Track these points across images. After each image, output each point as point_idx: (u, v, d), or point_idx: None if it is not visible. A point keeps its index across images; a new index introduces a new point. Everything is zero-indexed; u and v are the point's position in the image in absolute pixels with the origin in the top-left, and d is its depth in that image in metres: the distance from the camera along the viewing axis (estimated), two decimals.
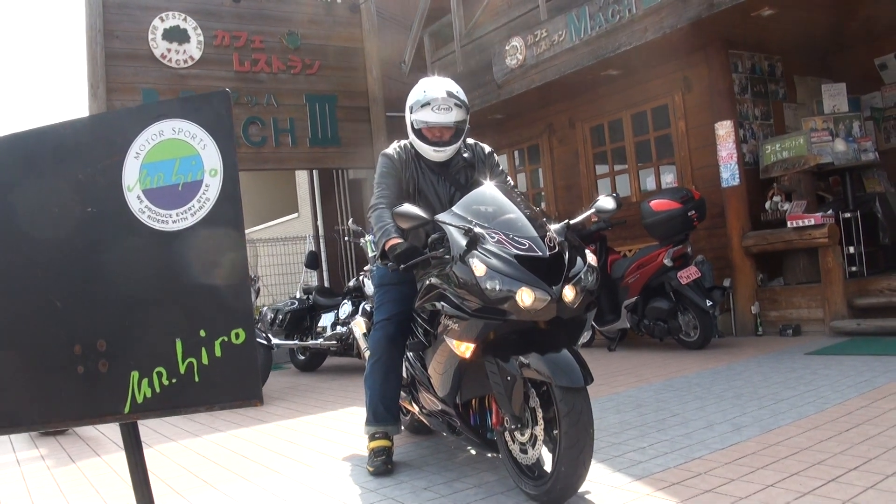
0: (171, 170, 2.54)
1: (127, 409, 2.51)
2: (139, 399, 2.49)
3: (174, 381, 2.49)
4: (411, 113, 4.21)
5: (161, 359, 2.51)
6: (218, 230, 2.53)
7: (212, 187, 2.53)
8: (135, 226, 2.55)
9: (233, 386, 2.49)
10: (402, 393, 4.45)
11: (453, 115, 4.12)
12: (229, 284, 2.52)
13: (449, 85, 4.20)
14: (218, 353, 2.48)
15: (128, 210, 2.55)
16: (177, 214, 2.53)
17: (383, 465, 4.13)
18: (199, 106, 2.59)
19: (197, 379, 2.49)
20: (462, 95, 4.20)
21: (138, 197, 2.55)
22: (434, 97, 4.12)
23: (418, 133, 4.20)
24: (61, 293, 2.57)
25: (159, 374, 2.49)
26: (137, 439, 2.68)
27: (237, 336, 2.47)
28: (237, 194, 2.55)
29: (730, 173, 8.46)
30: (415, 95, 4.21)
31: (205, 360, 2.48)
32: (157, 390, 2.49)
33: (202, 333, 2.49)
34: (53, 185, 2.61)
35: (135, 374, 2.50)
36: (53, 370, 2.56)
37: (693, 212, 7.63)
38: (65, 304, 2.56)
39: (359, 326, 5.31)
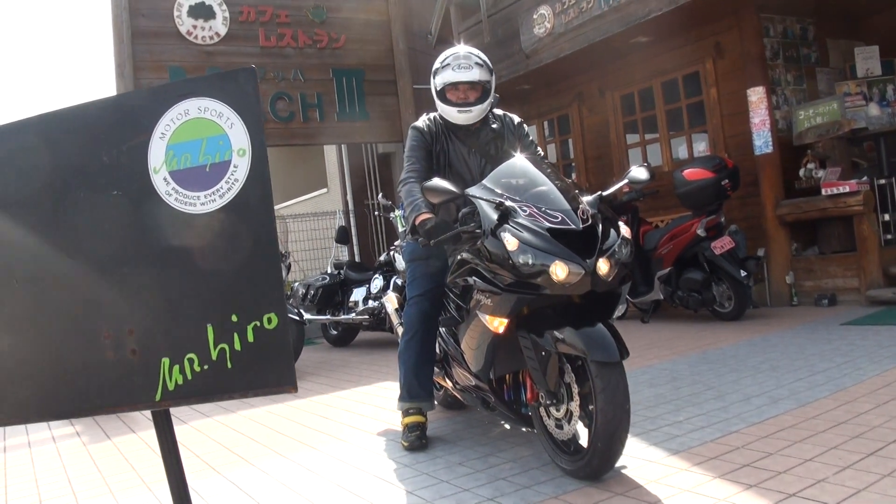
0: (199, 150, 2.48)
1: (158, 397, 2.48)
2: (170, 386, 2.45)
3: (206, 367, 2.45)
4: (434, 77, 4.22)
5: (192, 345, 2.46)
6: (247, 211, 2.47)
7: (240, 168, 2.47)
8: (162, 209, 2.49)
9: (266, 372, 2.44)
10: (435, 368, 4.44)
11: (475, 73, 4.10)
12: (260, 267, 2.46)
13: (468, 48, 4.24)
14: (250, 338, 2.42)
15: (154, 192, 2.50)
16: (205, 196, 2.48)
17: (417, 440, 4.14)
18: (224, 84, 2.52)
19: (229, 365, 2.44)
20: (483, 57, 4.20)
21: (165, 179, 2.49)
22: (454, 53, 4.15)
23: (442, 96, 4.18)
24: (89, 279, 2.54)
25: (191, 361, 2.44)
26: (170, 426, 2.66)
27: (269, 321, 2.42)
28: (266, 174, 2.50)
29: (763, 140, 8.33)
30: (437, 63, 4.24)
31: (237, 346, 2.43)
32: (189, 377, 2.45)
33: (234, 318, 2.44)
34: (79, 168, 2.56)
35: (165, 361, 2.46)
36: (83, 358, 2.53)
37: (726, 181, 7.51)
38: (92, 291, 2.53)
39: (390, 301, 5.30)
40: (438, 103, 4.22)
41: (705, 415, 4.12)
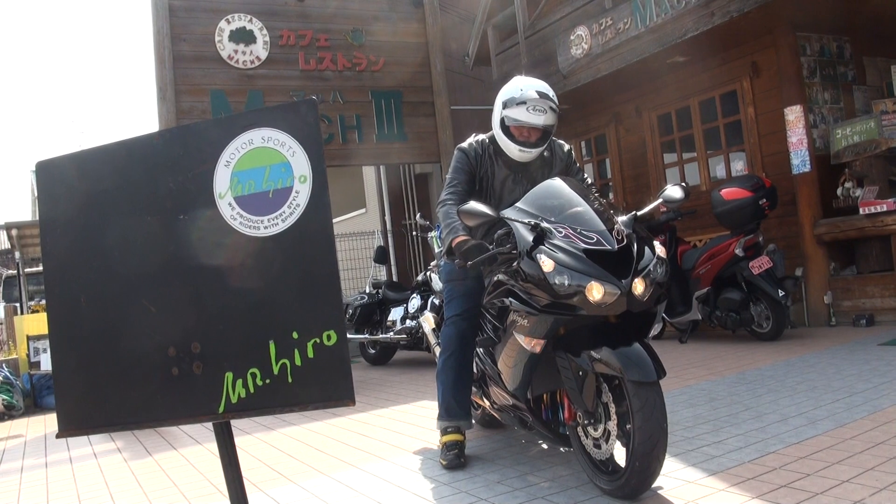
0: (262, 177, 2.64)
1: (221, 410, 2.63)
2: (233, 399, 2.61)
3: (268, 381, 2.59)
4: (504, 108, 4.11)
5: (254, 360, 2.60)
6: (308, 234, 2.61)
7: (301, 193, 2.62)
8: (227, 232, 2.65)
9: (325, 386, 2.57)
10: (472, 388, 4.48)
11: (546, 118, 4.03)
12: (320, 287, 2.59)
13: (545, 87, 4.10)
14: (310, 354, 2.56)
15: (220, 217, 2.66)
16: (268, 220, 2.63)
17: (456, 458, 4.17)
18: (287, 115, 2.67)
19: (290, 380, 2.58)
20: (556, 99, 4.12)
21: (230, 204, 2.65)
22: (530, 97, 4.02)
23: (506, 130, 4.13)
24: (155, 298, 2.69)
25: (253, 375, 2.60)
26: (230, 437, 2.79)
27: (329, 338, 2.55)
28: (326, 200, 2.64)
29: (800, 160, 8.30)
30: (510, 92, 4.11)
31: (297, 362, 2.57)
32: (251, 391, 2.60)
33: (294, 335, 2.58)
34: (146, 193, 2.73)
35: (229, 375, 2.61)
36: (148, 372, 2.68)
37: (764, 200, 7.49)
38: (158, 309, 2.67)
39: (427, 321, 5.35)
40: (499, 133, 4.16)
41: (743, 435, 4.12)
